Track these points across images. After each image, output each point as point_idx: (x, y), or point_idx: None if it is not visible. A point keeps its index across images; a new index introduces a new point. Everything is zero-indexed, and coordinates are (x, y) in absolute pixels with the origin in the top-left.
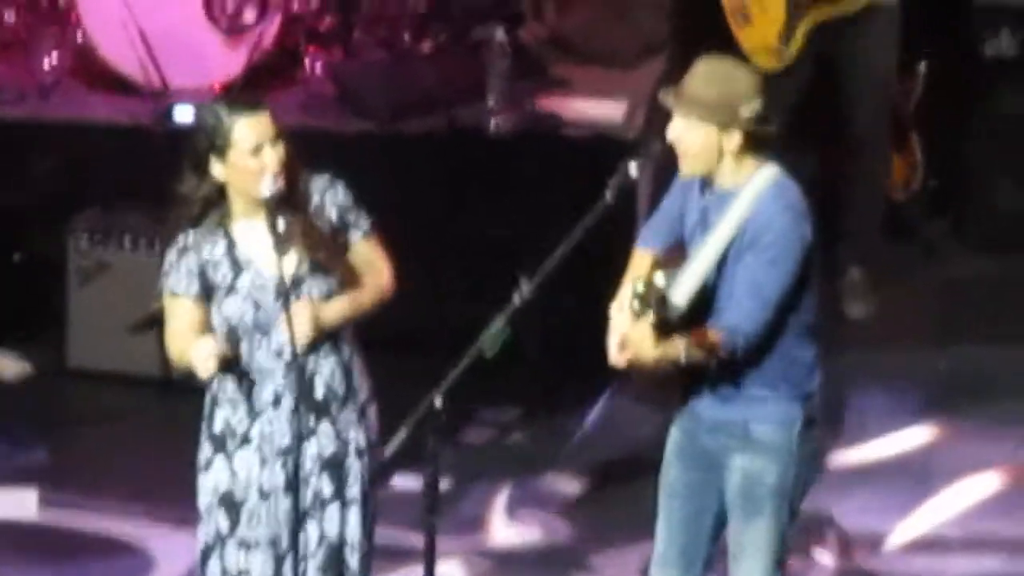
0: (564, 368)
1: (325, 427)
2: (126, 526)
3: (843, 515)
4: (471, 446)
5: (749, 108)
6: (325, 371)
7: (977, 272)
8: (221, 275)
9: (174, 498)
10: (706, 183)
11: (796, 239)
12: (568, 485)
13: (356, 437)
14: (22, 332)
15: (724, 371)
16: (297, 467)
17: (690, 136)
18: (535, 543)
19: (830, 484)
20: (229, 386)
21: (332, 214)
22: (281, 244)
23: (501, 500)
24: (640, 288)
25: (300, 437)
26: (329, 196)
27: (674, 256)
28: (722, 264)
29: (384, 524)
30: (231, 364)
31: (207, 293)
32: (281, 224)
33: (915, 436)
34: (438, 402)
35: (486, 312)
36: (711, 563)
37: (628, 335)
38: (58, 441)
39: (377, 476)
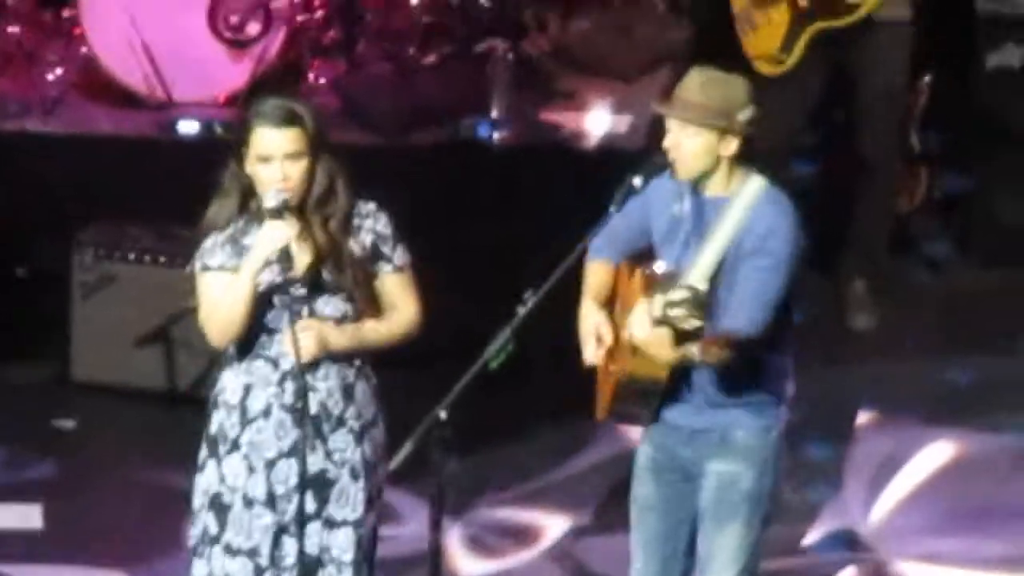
0: (569, 380)
1: (315, 444)
2: (130, 540)
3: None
4: (476, 459)
5: (745, 115)
6: (322, 390)
7: (980, 285)
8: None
9: (180, 511)
10: (693, 190)
11: (795, 245)
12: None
13: (352, 459)
14: (27, 345)
15: (705, 379)
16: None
17: (689, 143)
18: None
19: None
20: (227, 389)
21: (367, 240)
22: (284, 256)
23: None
24: (686, 294)
25: (303, 450)
26: (368, 223)
27: (651, 268)
28: (717, 272)
29: None
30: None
31: None
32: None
33: (919, 447)
34: (443, 415)
35: (491, 325)
36: (690, 573)
37: (647, 339)
38: (63, 454)
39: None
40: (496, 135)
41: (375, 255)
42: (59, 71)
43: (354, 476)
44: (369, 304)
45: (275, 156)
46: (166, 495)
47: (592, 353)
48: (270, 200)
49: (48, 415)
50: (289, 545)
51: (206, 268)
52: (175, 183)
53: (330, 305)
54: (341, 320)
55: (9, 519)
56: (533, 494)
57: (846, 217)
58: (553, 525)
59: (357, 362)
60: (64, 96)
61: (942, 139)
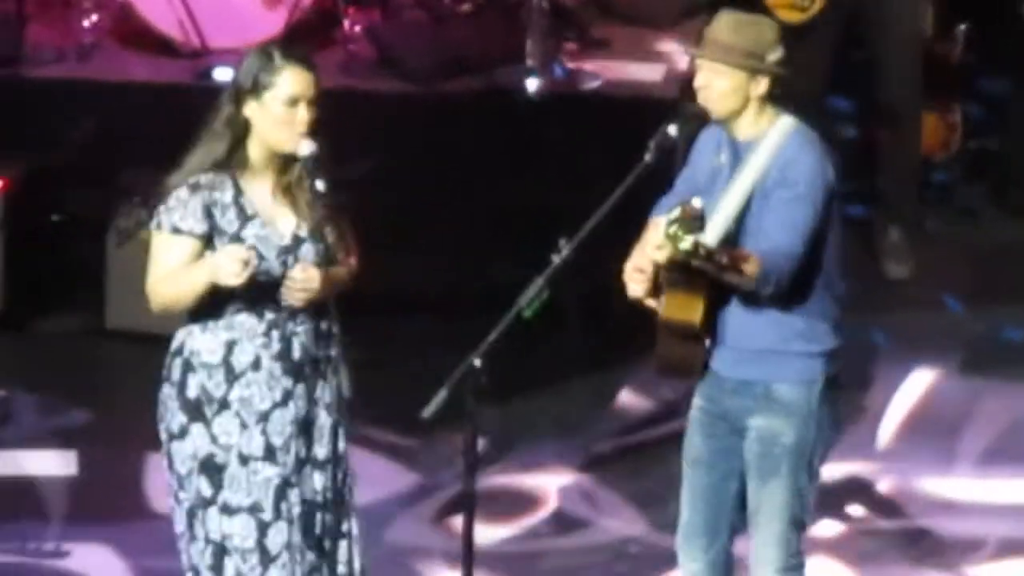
0: (604, 329)
1: (300, 389)
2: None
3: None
4: (510, 408)
5: (775, 55)
6: (301, 334)
7: (1015, 235)
8: (227, 220)
9: None
10: (724, 138)
11: (820, 177)
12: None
13: (323, 395)
14: (61, 293)
15: (748, 326)
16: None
17: (719, 82)
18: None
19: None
20: (203, 350)
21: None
22: (321, 208)
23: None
24: (677, 212)
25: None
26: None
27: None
28: (746, 211)
29: None
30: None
31: (210, 238)
32: (321, 186)
33: (950, 395)
34: (477, 362)
35: (525, 274)
36: (737, 530)
37: (655, 249)
38: (97, 401)
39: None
40: (531, 83)
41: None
42: (94, 18)
43: (329, 413)
44: (335, 245)
45: (304, 98)
46: None
47: (633, 288)
48: (305, 148)
49: (82, 363)
50: (294, 496)
51: (176, 230)
52: None
53: (311, 251)
54: (318, 264)
55: (45, 466)
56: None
57: (875, 166)
58: (581, 478)
59: (326, 306)
60: (99, 43)
61: (977, 88)
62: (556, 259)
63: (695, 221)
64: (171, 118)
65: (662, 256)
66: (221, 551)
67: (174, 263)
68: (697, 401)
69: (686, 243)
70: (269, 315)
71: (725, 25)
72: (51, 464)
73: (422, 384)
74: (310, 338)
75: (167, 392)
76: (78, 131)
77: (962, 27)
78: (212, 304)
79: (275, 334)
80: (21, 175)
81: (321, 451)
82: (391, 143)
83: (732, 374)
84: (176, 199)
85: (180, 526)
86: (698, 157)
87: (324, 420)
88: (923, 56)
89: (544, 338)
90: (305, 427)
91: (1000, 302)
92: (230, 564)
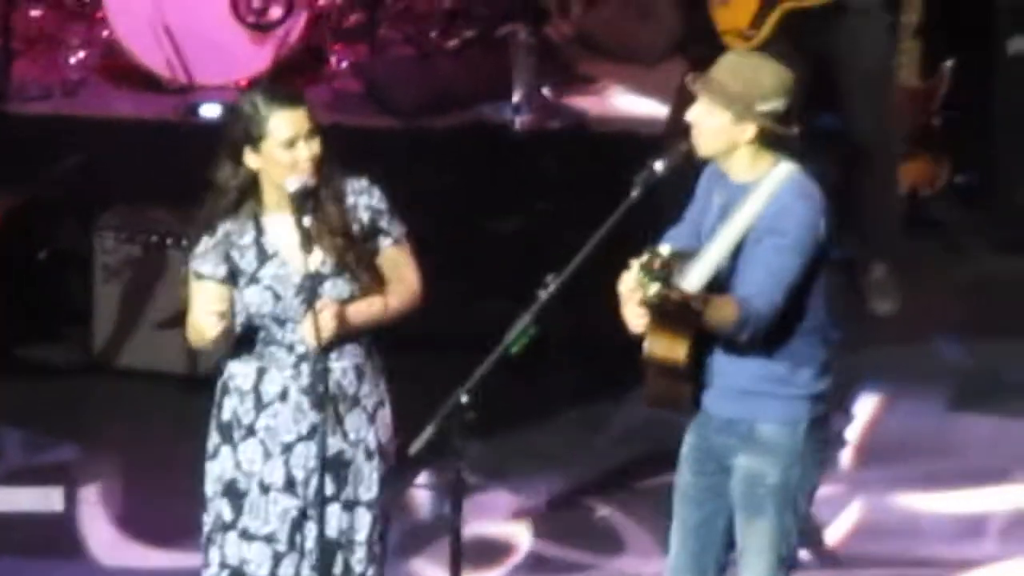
0: (591, 365)
1: (334, 427)
2: (149, 522)
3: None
4: (497, 444)
5: (767, 104)
6: (336, 371)
7: (1003, 269)
8: (247, 261)
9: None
10: (723, 176)
11: (811, 227)
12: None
13: (366, 439)
14: (48, 328)
15: (733, 365)
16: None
17: (707, 120)
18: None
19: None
20: (238, 375)
21: (364, 217)
22: (307, 241)
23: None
24: (644, 258)
25: (324, 434)
26: (363, 199)
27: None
28: (736, 255)
29: None
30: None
31: (232, 277)
32: (307, 221)
33: (941, 435)
34: (464, 398)
35: (512, 309)
36: (725, 567)
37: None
38: (84, 437)
39: (394, 478)
40: (517, 119)
41: (373, 230)
42: (81, 54)
43: (368, 456)
44: (373, 281)
45: (299, 136)
46: (186, 478)
47: (630, 319)
48: (292, 184)
49: (69, 398)
50: (309, 529)
51: (199, 276)
52: (197, 167)
53: (336, 287)
54: (348, 300)
55: (30, 502)
56: (553, 478)
57: (854, 203)
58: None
59: (365, 341)
60: (86, 79)
61: (964, 125)
62: (543, 294)
63: (662, 269)
64: (157, 154)
65: (634, 300)
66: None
67: (202, 305)
68: (688, 438)
69: (651, 289)
70: (299, 349)
71: (725, 63)
72: (35, 500)
73: (410, 419)
74: (347, 374)
75: (212, 413)
76: (65, 166)
77: (947, 63)
78: (244, 336)
79: (304, 368)
80: (7, 210)
81: (355, 493)
82: (377, 178)
83: (718, 412)
84: (200, 247)
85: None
86: (702, 193)
87: (362, 462)
88: (909, 93)
89: (531, 373)
90: (336, 466)
91: (988, 336)
92: None
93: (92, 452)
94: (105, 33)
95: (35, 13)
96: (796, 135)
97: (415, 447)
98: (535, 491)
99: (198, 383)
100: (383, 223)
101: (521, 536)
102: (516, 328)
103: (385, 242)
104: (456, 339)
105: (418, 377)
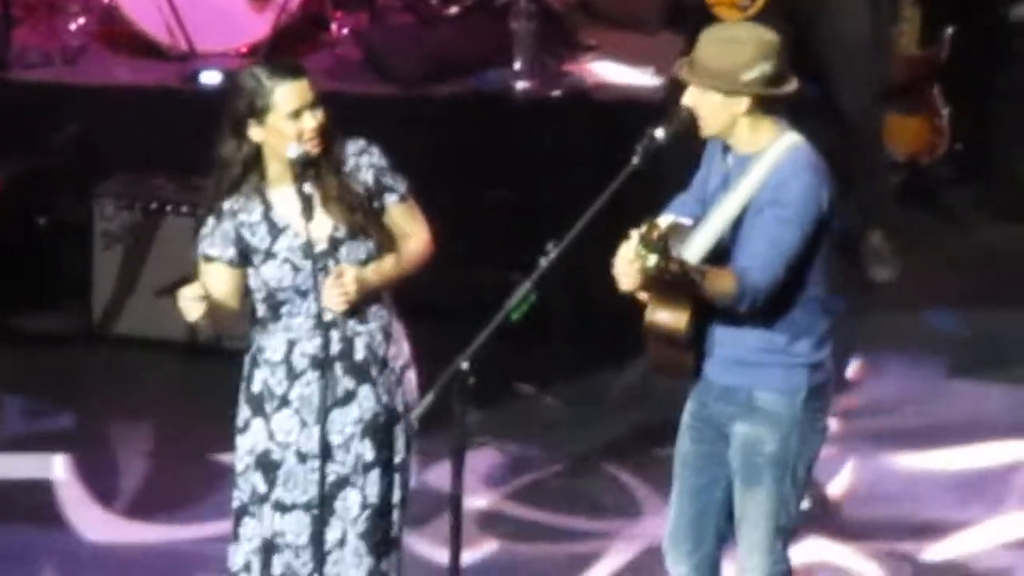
0: (592, 332)
1: (366, 390)
2: (149, 490)
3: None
4: (498, 412)
5: (752, 72)
6: (365, 334)
7: (1000, 238)
8: (259, 238)
9: (200, 460)
10: (726, 149)
11: (812, 200)
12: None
13: (397, 401)
14: (48, 296)
15: (733, 334)
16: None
17: (702, 102)
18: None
19: (850, 447)
20: (267, 348)
21: (368, 177)
22: (308, 208)
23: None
24: (643, 229)
25: (326, 401)
26: (365, 159)
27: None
28: (738, 225)
29: None
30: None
31: (244, 257)
32: (307, 188)
33: (938, 401)
34: (464, 365)
35: (513, 277)
36: (725, 537)
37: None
38: (84, 405)
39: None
40: (518, 87)
41: (379, 189)
42: (81, 21)
43: (397, 419)
44: (385, 239)
45: (304, 107)
46: (186, 446)
47: (624, 280)
48: (292, 151)
49: (69, 365)
50: (353, 496)
51: (207, 258)
52: (197, 134)
53: (353, 251)
54: (366, 262)
55: (30, 469)
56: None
57: (846, 172)
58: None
59: (388, 303)
60: (86, 46)
61: (963, 92)
62: (543, 262)
63: (660, 241)
64: (157, 121)
65: (634, 269)
66: (270, 547)
67: (213, 287)
68: (688, 405)
69: (650, 261)
70: (327, 317)
71: (704, 44)
72: (36, 467)
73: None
74: (375, 337)
75: (241, 387)
76: (64, 134)
77: (948, 31)
78: (268, 308)
79: (334, 334)
80: (7, 178)
81: (394, 456)
82: (378, 146)
83: (717, 380)
84: (207, 227)
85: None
86: (708, 160)
87: (392, 425)
88: (909, 61)
89: (531, 340)
90: (375, 430)
91: (985, 304)
92: (278, 562)
93: (91, 420)
94: (105, 0)
95: None
96: (792, 93)
97: (416, 414)
98: (534, 459)
99: (198, 351)
100: (387, 180)
101: (517, 506)
102: (516, 295)
103: (391, 198)
104: (455, 307)
105: (420, 346)
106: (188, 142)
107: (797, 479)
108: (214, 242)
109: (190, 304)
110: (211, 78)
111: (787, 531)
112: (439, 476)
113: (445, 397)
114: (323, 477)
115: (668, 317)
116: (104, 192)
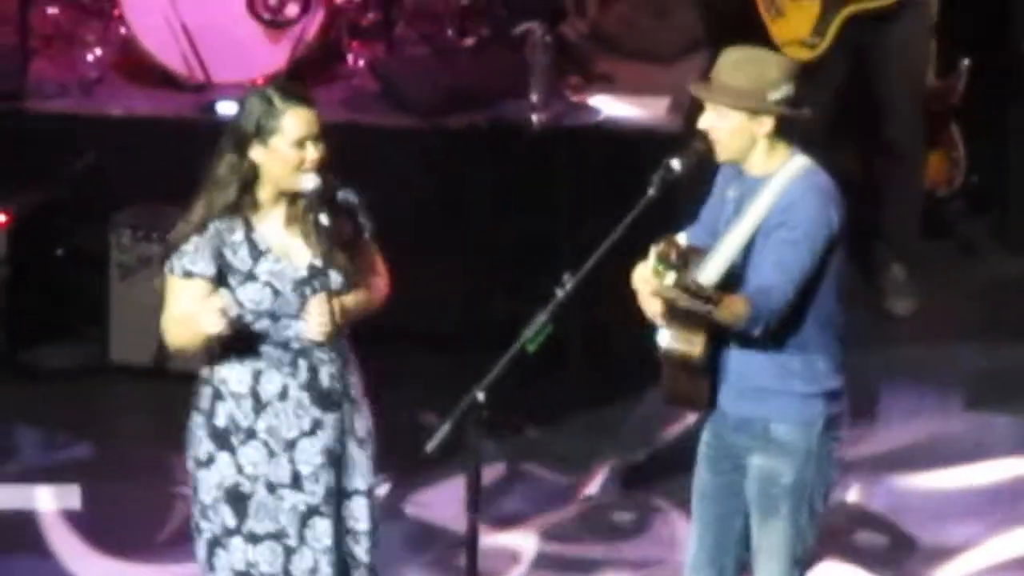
0: (607, 363)
1: (331, 419)
2: (166, 521)
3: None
4: (514, 443)
5: (779, 93)
6: (329, 363)
7: (1016, 270)
8: (240, 259)
9: None
10: (738, 172)
11: (822, 223)
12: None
13: (357, 428)
14: (65, 326)
15: (748, 360)
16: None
17: (722, 124)
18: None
19: (867, 477)
20: (230, 379)
21: (345, 215)
22: (327, 240)
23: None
24: (661, 246)
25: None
26: (340, 195)
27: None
28: (749, 250)
29: None
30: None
31: (221, 276)
32: (325, 220)
33: (957, 432)
34: (480, 396)
35: (529, 308)
36: (746, 566)
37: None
38: (100, 435)
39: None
40: (535, 118)
41: (354, 226)
42: (98, 52)
43: (360, 444)
44: (352, 274)
45: (309, 136)
46: None
47: (647, 306)
48: (309, 183)
49: (86, 397)
50: (322, 527)
51: (188, 274)
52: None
53: (332, 280)
54: (339, 293)
55: (47, 500)
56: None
57: (877, 202)
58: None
59: (346, 332)
60: (103, 77)
61: (979, 125)
62: (559, 293)
63: (679, 259)
64: (174, 152)
65: (649, 290)
66: None
67: (187, 305)
68: (704, 435)
69: (667, 279)
70: (295, 345)
71: (726, 64)
72: (52, 497)
73: (427, 417)
74: (338, 367)
75: (196, 420)
76: (81, 165)
77: (964, 63)
78: (238, 337)
79: (302, 363)
80: (24, 209)
81: (356, 483)
82: (394, 177)
83: (733, 411)
84: (190, 244)
85: (201, 553)
86: (718, 190)
87: (357, 453)
88: (925, 92)
89: (546, 372)
90: (338, 459)
91: (1002, 337)
92: None
93: (108, 450)
94: (122, 31)
95: (52, 11)
96: (809, 117)
97: (431, 446)
98: (552, 491)
99: None
100: (361, 219)
101: (530, 540)
102: (532, 327)
103: (363, 237)
104: (472, 338)
105: (435, 377)
106: (205, 173)
107: (814, 510)
108: (196, 259)
109: (214, 315)
110: (228, 109)
111: (803, 562)
112: (449, 506)
113: (460, 429)
114: (334, 495)
115: (683, 343)
116: (121, 223)
